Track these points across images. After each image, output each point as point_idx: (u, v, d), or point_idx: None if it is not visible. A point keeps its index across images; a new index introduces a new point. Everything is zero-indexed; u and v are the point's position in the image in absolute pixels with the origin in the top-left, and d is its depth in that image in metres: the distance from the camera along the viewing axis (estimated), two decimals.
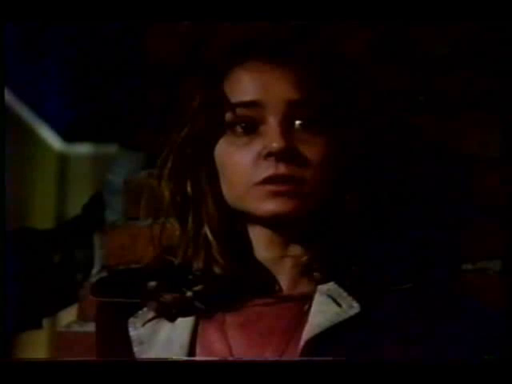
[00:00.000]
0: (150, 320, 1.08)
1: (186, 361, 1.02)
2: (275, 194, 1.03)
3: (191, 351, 1.05)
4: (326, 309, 1.01)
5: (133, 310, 1.09)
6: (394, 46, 1.38)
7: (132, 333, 1.08)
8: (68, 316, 1.53)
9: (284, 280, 1.08)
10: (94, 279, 1.47)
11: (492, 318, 1.06)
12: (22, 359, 1.48)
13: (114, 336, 1.10)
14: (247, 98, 1.06)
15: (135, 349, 1.07)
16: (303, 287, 1.07)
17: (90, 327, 1.33)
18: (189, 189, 1.09)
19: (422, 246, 1.26)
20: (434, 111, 1.36)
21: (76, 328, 1.51)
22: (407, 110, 1.37)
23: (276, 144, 1.03)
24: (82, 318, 1.51)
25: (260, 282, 1.08)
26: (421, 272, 1.08)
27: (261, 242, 1.08)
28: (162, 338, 1.07)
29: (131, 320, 1.09)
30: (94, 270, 1.52)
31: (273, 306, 1.06)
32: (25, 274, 1.48)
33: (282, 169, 1.03)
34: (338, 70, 1.14)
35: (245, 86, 1.07)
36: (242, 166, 1.05)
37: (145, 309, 1.09)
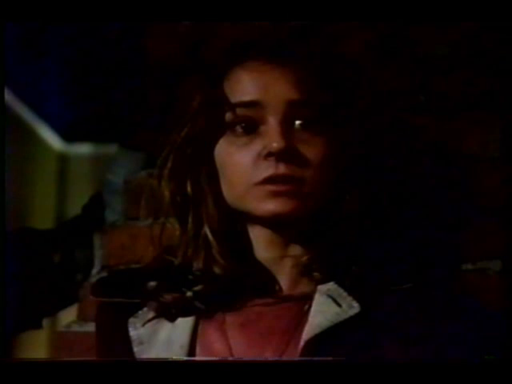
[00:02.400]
0: (149, 320, 1.08)
1: (186, 361, 1.02)
2: (275, 194, 1.03)
3: (191, 351, 1.05)
4: (326, 309, 1.01)
5: (133, 310, 1.09)
6: (393, 46, 1.38)
7: (132, 333, 1.08)
8: (68, 316, 1.53)
9: (284, 280, 1.08)
10: (93, 279, 1.47)
11: (492, 318, 1.06)
12: (22, 359, 1.48)
13: (114, 336, 1.10)
14: (247, 98, 1.06)
15: (135, 349, 1.07)
16: (303, 287, 1.07)
17: (90, 327, 1.33)
18: (189, 189, 1.09)
19: (421, 245, 1.26)
20: (434, 111, 1.36)
21: (76, 328, 1.51)
22: (407, 110, 1.36)
23: (276, 144, 1.02)
24: (81, 318, 1.51)
25: (260, 282, 1.08)
26: (421, 272, 1.08)
27: (261, 242, 1.08)
28: (162, 338, 1.07)
29: (131, 320, 1.08)
30: (94, 270, 1.52)
31: (273, 306, 1.06)
32: (25, 274, 1.48)
33: (281, 169, 1.03)
34: (337, 69, 1.14)
35: (245, 86, 1.07)
36: (242, 166, 1.05)
37: (145, 309, 1.09)
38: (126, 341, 1.08)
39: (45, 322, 1.53)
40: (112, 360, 1.04)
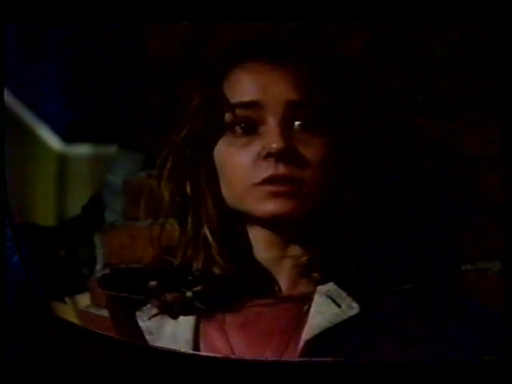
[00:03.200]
0: (154, 316, 1.09)
1: (193, 354, 1.03)
2: (274, 195, 1.03)
3: (196, 346, 1.06)
4: (325, 309, 1.01)
5: (138, 304, 1.10)
6: (393, 46, 1.38)
7: (141, 324, 1.09)
8: (84, 299, 1.53)
9: (283, 280, 1.08)
10: (98, 274, 1.47)
11: (492, 317, 1.06)
12: (22, 358, 1.48)
13: (126, 324, 1.11)
14: (247, 98, 1.06)
15: (147, 337, 1.08)
16: (303, 288, 1.07)
17: (105, 312, 1.34)
18: (188, 189, 1.09)
19: (421, 246, 1.26)
20: (434, 111, 1.36)
21: (93, 311, 1.51)
22: (407, 110, 1.36)
23: (275, 144, 1.03)
24: (95, 304, 1.51)
25: (259, 283, 1.08)
26: (421, 272, 1.08)
27: (260, 242, 1.09)
28: (168, 332, 1.08)
29: (138, 313, 1.10)
30: (98, 267, 1.52)
31: (272, 307, 1.06)
32: (36, 260, 1.47)
33: (281, 169, 1.03)
34: (337, 70, 1.14)
35: (244, 87, 1.07)
36: (242, 167, 1.05)
37: (149, 305, 1.10)
38: (138, 329, 1.08)
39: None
40: (115, 361, 1.05)
